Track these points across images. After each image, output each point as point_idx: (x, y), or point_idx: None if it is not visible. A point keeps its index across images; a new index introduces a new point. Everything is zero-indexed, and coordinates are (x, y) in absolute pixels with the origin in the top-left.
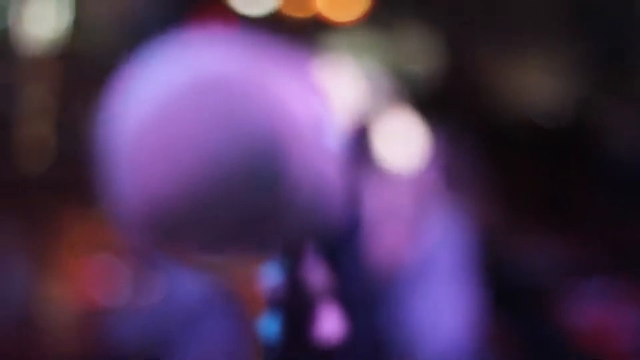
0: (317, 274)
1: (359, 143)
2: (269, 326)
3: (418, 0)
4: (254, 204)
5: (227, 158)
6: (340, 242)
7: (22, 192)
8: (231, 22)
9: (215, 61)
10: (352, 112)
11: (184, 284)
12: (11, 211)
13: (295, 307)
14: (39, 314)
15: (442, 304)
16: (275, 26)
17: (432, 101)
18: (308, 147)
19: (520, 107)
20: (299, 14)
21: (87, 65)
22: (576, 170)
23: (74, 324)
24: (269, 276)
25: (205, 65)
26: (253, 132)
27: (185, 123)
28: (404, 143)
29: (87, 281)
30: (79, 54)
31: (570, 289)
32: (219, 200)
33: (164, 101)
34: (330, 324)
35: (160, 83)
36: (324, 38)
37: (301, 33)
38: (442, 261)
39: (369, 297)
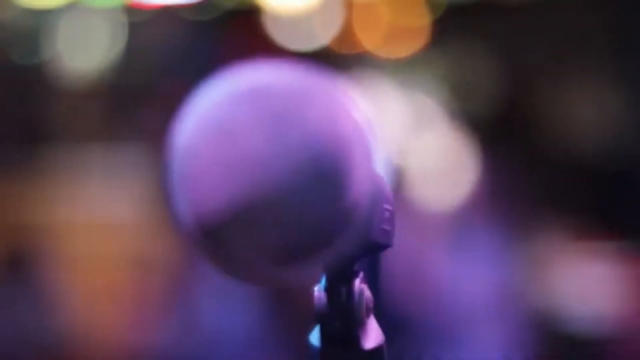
0: (362, 288)
1: (396, 173)
2: (315, 337)
3: (474, 31)
4: (316, 215)
5: (287, 167)
6: (377, 258)
7: None
8: (278, 58)
9: (271, 72)
10: (397, 140)
11: (231, 317)
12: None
13: (342, 319)
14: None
15: (482, 340)
16: (323, 62)
17: (485, 132)
18: (366, 161)
19: (571, 140)
20: (347, 51)
21: (131, 95)
22: (629, 204)
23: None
24: (318, 288)
25: (262, 75)
26: (314, 140)
27: (245, 132)
28: (449, 174)
29: (133, 318)
30: (122, 86)
31: (628, 334)
32: (280, 212)
33: (220, 110)
34: (373, 337)
35: (216, 94)
36: (374, 71)
37: (349, 69)
38: (483, 297)
39: (395, 319)
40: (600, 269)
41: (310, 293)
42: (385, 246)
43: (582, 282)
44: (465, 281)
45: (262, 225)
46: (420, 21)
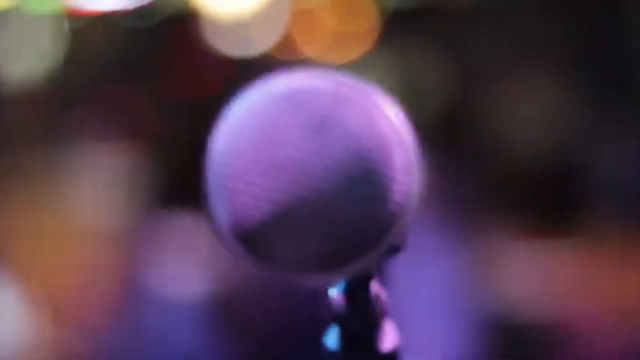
0: (379, 290)
1: None
2: (331, 340)
3: (420, 35)
4: (361, 218)
5: (329, 169)
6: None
7: None
8: (220, 66)
9: (308, 75)
10: None
11: (176, 325)
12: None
13: (360, 321)
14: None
15: (431, 341)
16: (266, 68)
17: (432, 134)
18: (405, 163)
19: (518, 141)
20: (289, 57)
21: (71, 101)
22: (575, 203)
23: None
24: (336, 290)
25: (299, 78)
26: (355, 141)
27: (284, 134)
28: None
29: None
30: (62, 92)
31: (574, 329)
32: (323, 215)
33: (258, 113)
34: (390, 339)
35: (253, 98)
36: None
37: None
38: (431, 298)
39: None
40: (547, 267)
41: (326, 296)
42: (401, 249)
43: (530, 281)
44: (413, 283)
45: (304, 229)
46: (366, 26)
